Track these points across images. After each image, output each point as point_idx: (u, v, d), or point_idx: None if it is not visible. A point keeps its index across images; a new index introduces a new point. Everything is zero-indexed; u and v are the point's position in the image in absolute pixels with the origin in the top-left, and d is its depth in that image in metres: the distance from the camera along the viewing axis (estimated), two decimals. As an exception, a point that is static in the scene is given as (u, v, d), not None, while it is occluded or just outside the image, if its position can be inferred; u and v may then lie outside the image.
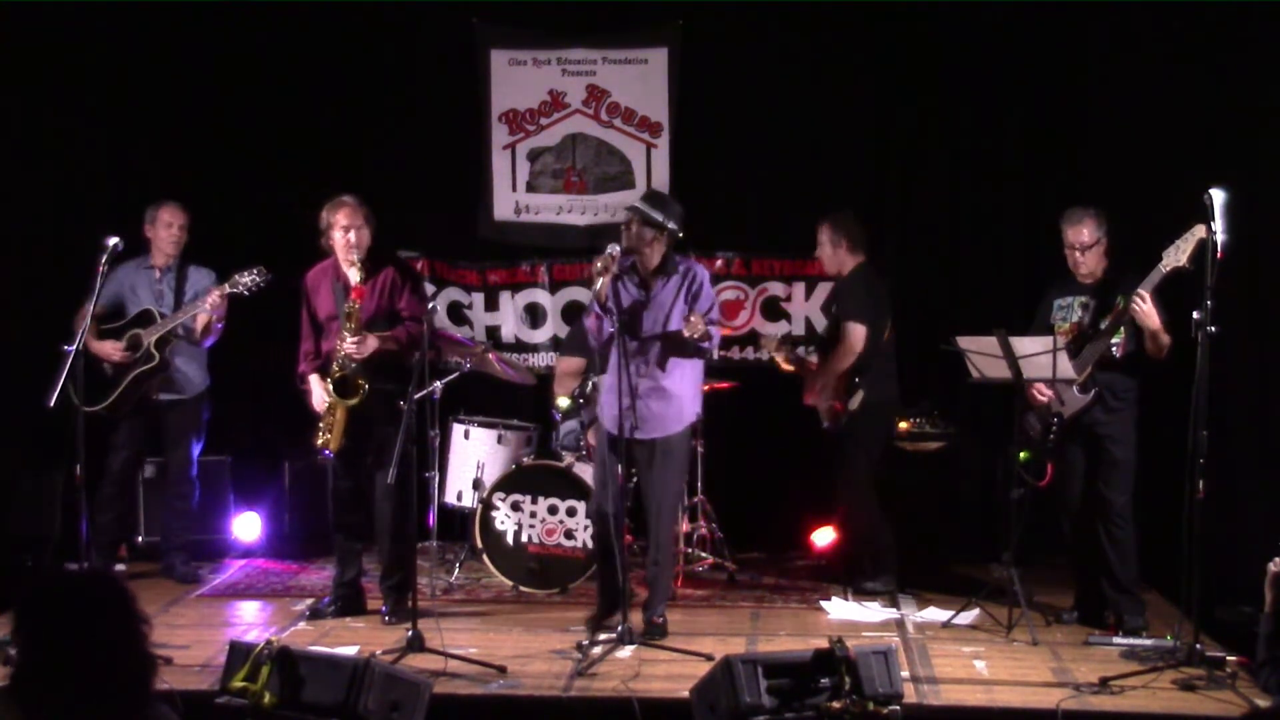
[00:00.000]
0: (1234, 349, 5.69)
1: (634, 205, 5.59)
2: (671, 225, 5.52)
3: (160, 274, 6.53)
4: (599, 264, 5.38)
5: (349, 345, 5.63)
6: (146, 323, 6.40)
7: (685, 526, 6.79)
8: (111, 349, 6.31)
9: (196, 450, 6.73)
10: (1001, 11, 7.08)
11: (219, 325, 6.48)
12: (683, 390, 5.62)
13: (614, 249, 5.42)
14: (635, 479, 5.77)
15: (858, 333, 6.25)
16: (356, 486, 5.87)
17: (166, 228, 6.50)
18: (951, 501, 7.20)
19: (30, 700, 2.71)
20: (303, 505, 7.42)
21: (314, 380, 5.80)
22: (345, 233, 5.71)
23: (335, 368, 5.67)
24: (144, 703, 2.78)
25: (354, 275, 5.68)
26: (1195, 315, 4.98)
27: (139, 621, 2.85)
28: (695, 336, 5.33)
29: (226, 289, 6.23)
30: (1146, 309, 5.28)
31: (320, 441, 5.74)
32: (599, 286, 5.35)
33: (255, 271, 6.22)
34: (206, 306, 6.27)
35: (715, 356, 5.98)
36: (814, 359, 6.74)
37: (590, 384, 6.66)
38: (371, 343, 5.66)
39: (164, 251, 6.53)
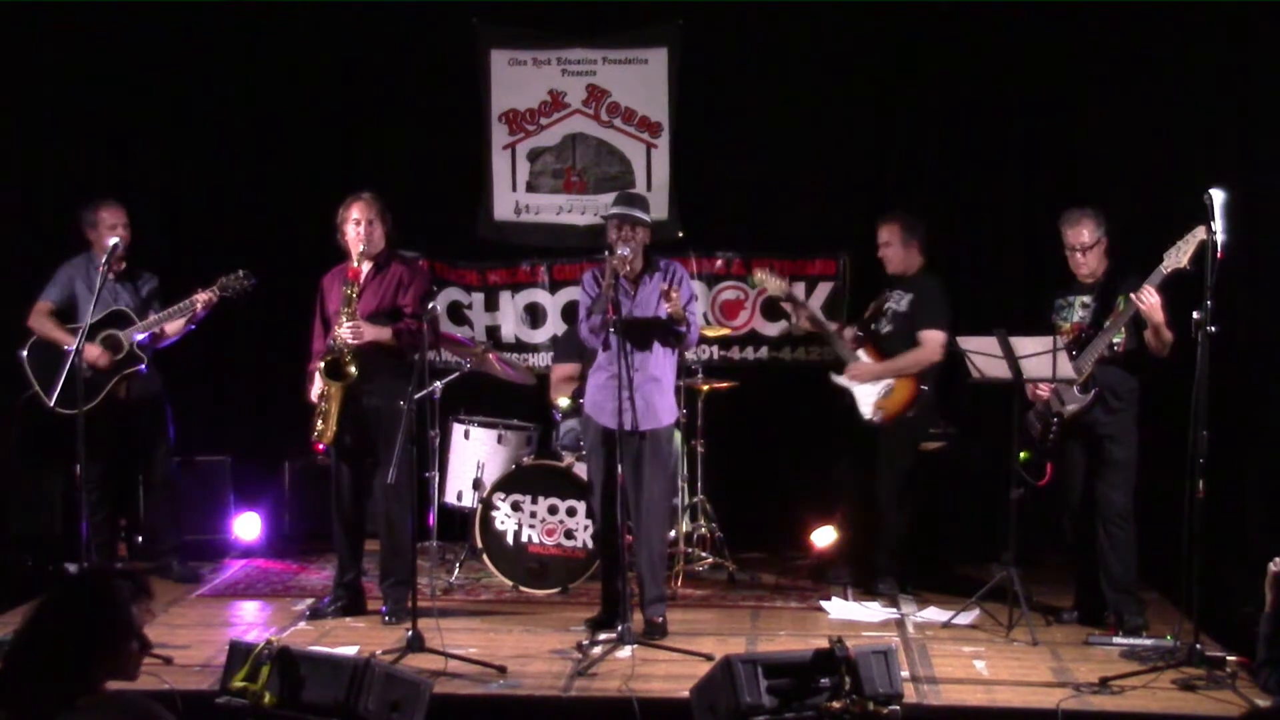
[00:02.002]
0: (1234, 349, 5.69)
1: (622, 213, 5.58)
2: (650, 221, 5.68)
3: (115, 275, 6.47)
4: (613, 264, 5.41)
5: (344, 330, 5.64)
6: (122, 323, 6.35)
7: (685, 526, 6.79)
8: (100, 353, 6.28)
9: (171, 447, 6.71)
10: (1001, 11, 7.09)
11: (191, 327, 6.44)
12: (670, 383, 5.70)
13: (625, 251, 5.46)
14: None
15: (938, 340, 6.23)
16: (357, 485, 5.88)
17: (111, 229, 6.34)
18: (951, 501, 7.19)
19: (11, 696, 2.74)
20: (303, 505, 7.43)
21: (318, 375, 5.80)
22: (356, 226, 5.74)
23: (329, 351, 5.69)
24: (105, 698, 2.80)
25: (359, 269, 5.71)
26: (1195, 315, 4.99)
27: (125, 631, 2.87)
28: (671, 312, 5.42)
29: (216, 292, 6.22)
30: (1153, 302, 5.28)
31: (315, 434, 5.76)
32: (612, 283, 5.37)
33: (241, 274, 6.21)
34: (198, 308, 6.25)
35: (693, 345, 5.97)
36: (848, 332, 6.59)
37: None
38: (367, 331, 5.66)
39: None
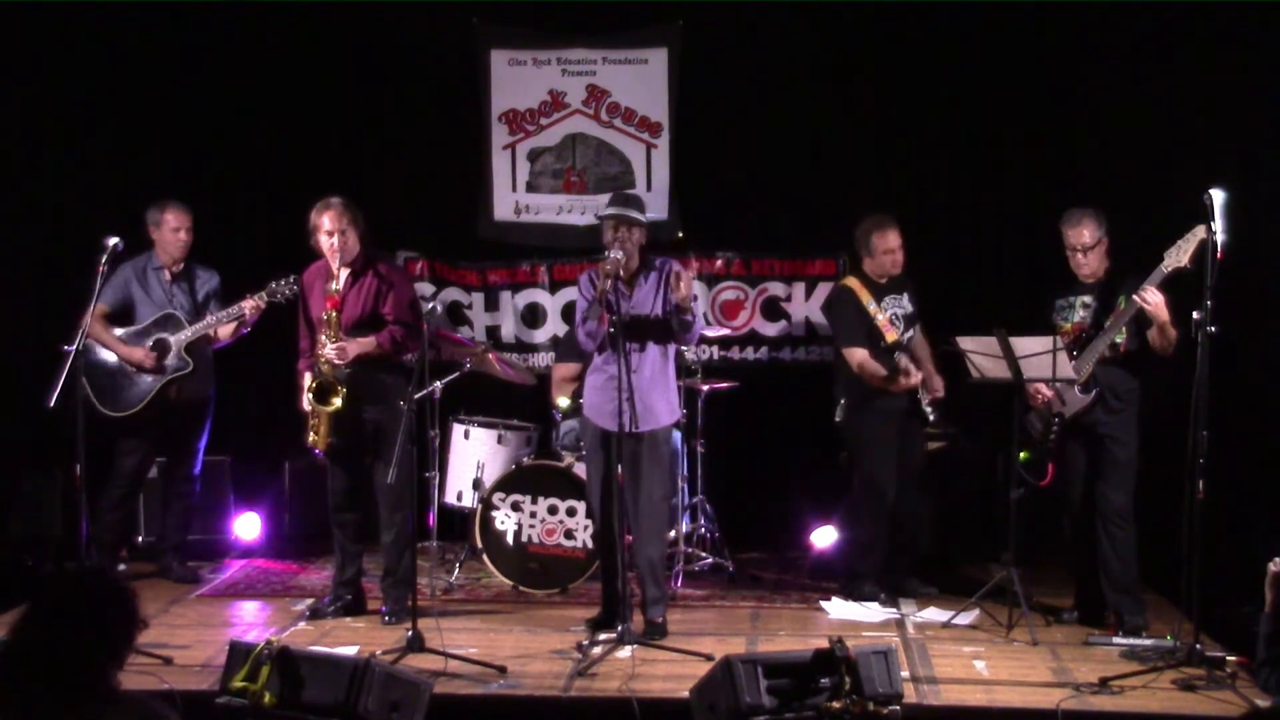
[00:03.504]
0: (1234, 349, 5.69)
1: (617, 214, 5.54)
2: (645, 221, 5.63)
3: (171, 276, 6.51)
4: (606, 268, 5.38)
5: (329, 352, 5.62)
6: (173, 327, 6.38)
7: (685, 526, 6.79)
8: (144, 355, 6.31)
9: (203, 449, 6.74)
10: (1001, 11, 7.09)
11: (244, 331, 6.46)
12: (671, 384, 5.68)
13: (618, 254, 5.42)
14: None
15: None
16: (354, 485, 5.87)
17: (174, 232, 6.43)
18: (952, 502, 7.19)
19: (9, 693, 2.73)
20: (303, 505, 7.41)
21: (307, 379, 5.80)
22: (330, 237, 5.67)
23: (314, 374, 5.68)
24: (107, 698, 2.79)
25: (338, 280, 5.68)
26: (1195, 315, 4.99)
27: (135, 626, 2.86)
28: (678, 301, 5.39)
29: (265, 298, 6.20)
30: (1157, 301, 5.28)
31: (310, 441, 5.76)
32: (607, 287, 5.35)
33: (291, 280, 6.17)
34: (246, 314, 6.24)
35: (695, 340, 5.91)
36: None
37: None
38: (352, 349, 5.64)
39: (171, 255, 6.48)
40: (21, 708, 2.72)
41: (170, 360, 6.37)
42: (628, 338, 5.45)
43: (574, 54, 7.65)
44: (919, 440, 6.30)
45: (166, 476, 6.83)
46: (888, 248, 6.21)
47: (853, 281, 6.28)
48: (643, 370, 5.54)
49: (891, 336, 6.15)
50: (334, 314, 5.65)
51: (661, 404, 5.62)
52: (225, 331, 6.44)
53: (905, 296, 6.30)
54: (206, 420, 6.68)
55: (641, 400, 5.46)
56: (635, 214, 5.55)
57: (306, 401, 5.72)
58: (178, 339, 6.35)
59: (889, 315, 6.20)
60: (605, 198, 7.45)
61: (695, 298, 5.87)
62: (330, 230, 5.66)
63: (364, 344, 5.68)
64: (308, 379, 5.77)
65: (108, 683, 2.81)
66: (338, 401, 5.62)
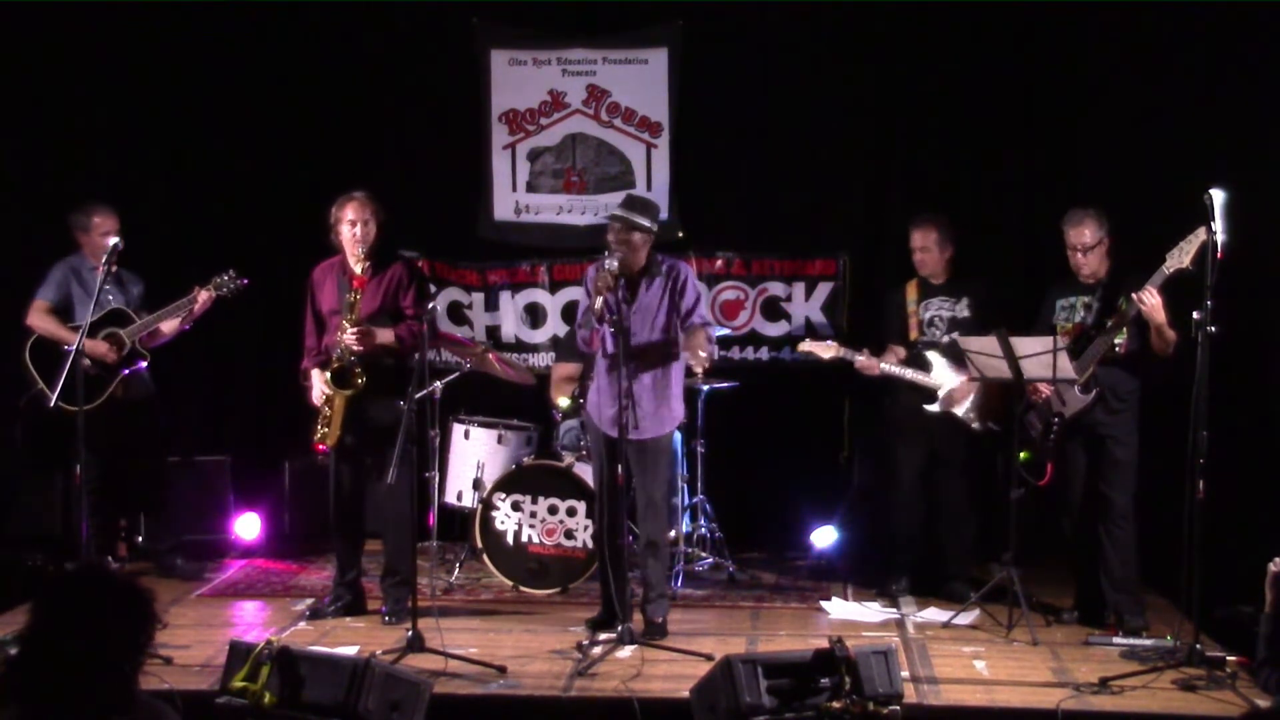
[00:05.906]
0: (1234, 349, 5.69)
1: (618, 214, 5.55)
2: (654, 227, 5.60)
3: (102, 277, 6.48)
4: (601, 282, 5.35)
5: (349, 337, 5.63)
6: (123, 322, 6.35)
7: (685, 526, 6.79)
8: (107, 350, 6.29)
9: (160, 448, 6.73)
10: (1001, 11, 7.09)
11: (185, 327, 6.44)
12: (674, 390, 5.67)
13: (612, 264, 5.38)
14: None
15: None
16: (356, 486, 5.87)
17: (104, 235, 6.31)
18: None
19: (26, 694, 2.71)
20: (303, 505, 7.42)
21: (315, 375, 5.79)
22: (352, 226, 5.72)
23: (334, 359, 5.68)
24: (129, 701, 2.77)
25: (359, 268, 5.71)
26: (1195, 315, 4.99)
27: (152, 624, 2.85)
28: (702, 360, 5.46)
29: (213, 292, 6.23)
30: (1154, 303, 5.29)
31: (318, 436, 5.75)
32: (599, 303, 5.33)
33: (231, 274, 6.23)
34: (197, 306, 6.25)
35: (713, 345, 5.88)
36: (889, 358, 6.31)
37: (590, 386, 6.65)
38: (372, 336, 5.66)
39: (100, 258, 6.40)
40: (41, 715, 2.69)
41: (126, 354, 6.32)
42: (630, 342, 5.44)
43: (574, 54, 7.65)
44: (958, 438, 6.24)
45: (140, 479, 6.75)
46: (911, 245, 6.34)
47: (912, 280, 6.40)
48: (644, 376, 5.52)
49: (913, 335, 6.28)
50: (357, 295, 5.66)
51: (663, 410, 5.59)
52: (169, 326, 6.38)
53: (963, 301, 6.28)
54: (158, 418, 6.64)
55: (643, 406, 5.46)
56: (638, 218, 5.53)
57: (320, 392, 5.72)
58: (131, 333, 6.33)
59: (929, 315, 6.27)
60: (605, 198, 7.53)
61: (700, 297, 5.78)
62: (354, 219, 5.71)
63: (383, 334, 5.70)
64: (315, 374, 5.77)
65: (128, 686, 2.78)
66: (360, 381, 5.62)
